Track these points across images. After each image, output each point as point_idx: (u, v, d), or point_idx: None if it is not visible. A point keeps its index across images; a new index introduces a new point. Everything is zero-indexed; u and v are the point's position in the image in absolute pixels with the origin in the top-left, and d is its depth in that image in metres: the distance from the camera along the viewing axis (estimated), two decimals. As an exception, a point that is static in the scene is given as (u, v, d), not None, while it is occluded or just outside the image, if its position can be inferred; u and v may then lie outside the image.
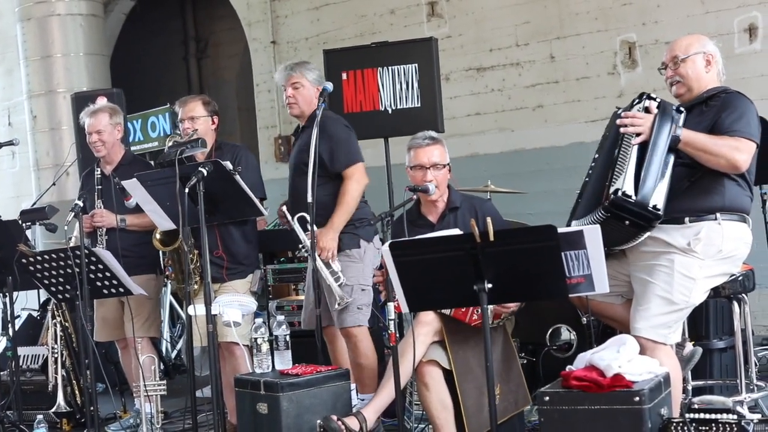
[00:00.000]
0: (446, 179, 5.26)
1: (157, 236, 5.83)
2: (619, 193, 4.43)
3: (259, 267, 6.09)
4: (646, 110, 4.64)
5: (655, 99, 4.67)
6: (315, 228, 5.44)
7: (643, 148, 4.55)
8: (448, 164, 5.27)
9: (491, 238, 3.98)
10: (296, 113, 5.82)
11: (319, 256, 5.47)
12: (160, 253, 6.22)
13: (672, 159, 4.57)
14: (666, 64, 4.86)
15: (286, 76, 5.80)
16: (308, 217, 5.50)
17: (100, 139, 6.34)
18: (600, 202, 4.54)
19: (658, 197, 4.49)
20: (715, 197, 4.62)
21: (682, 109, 4.66)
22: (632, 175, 4.49)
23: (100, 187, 6.34)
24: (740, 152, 4.52)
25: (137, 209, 5.98)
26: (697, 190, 4.63)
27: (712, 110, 4.66)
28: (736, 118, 4.57)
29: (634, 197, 4.44)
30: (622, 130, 4.61)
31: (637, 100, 4.75)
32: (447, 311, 4.90)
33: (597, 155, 4.90)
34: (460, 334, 4.93)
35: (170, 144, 5.69)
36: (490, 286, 4.03)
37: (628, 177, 4.48)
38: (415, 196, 5.20)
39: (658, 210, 4.47)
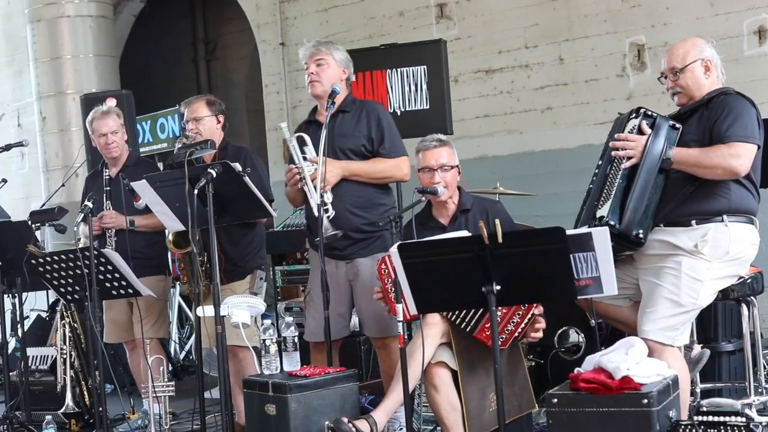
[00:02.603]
0: (455, 181, 5.25)
1: (170, 238, 5.83)
2: (604, 221, 4.54)
3: (260, 268, 6.03)
4: (640, 130, 4.67)
5: (650, 116, 4.69)
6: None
7: (634, 170, 4.62)
8: (457, 166, 5.26)
9: (500, 239, 3.98)
10: (318, 92, 5.53)
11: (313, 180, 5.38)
12: (173, 257, 6.23)
13: (662, 178, 4.64)
14: (665, 74, 4.86)
15: (311, 52, 5.55)
16: (306, 138, 5.44)
17: (115, 140, 6.37)
18: (590, 221, 4.65)
19: (641, 225, 4.60)
20: (721, 200, 4.63)
21: (678, 126, 4.67)
22: (618, 202, 4.63)
23: (108, 188, 6.36)
24: (735, 158, 4.52)
25: (146, 210, 6.00)
26: (702, 193, 4.64)
27: (712, 112, 4.67)
28: (731, 122, 4.57)
29: (618, 226, 4.55)
30: (613, 153, 4.68)
31: (633, 115, 4.78)
32: (459, 321, 4.89)
33: (600, 162, 4.90)
34: (466, 335, 4.92)
35: (179, 146, 5.70)
36: (498, 287, 4.03)
37: (614, 204, 4.62)
38: (423, 198, 5.20)
39: (641, 238, 4.61)
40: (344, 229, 5.37)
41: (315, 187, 5.35)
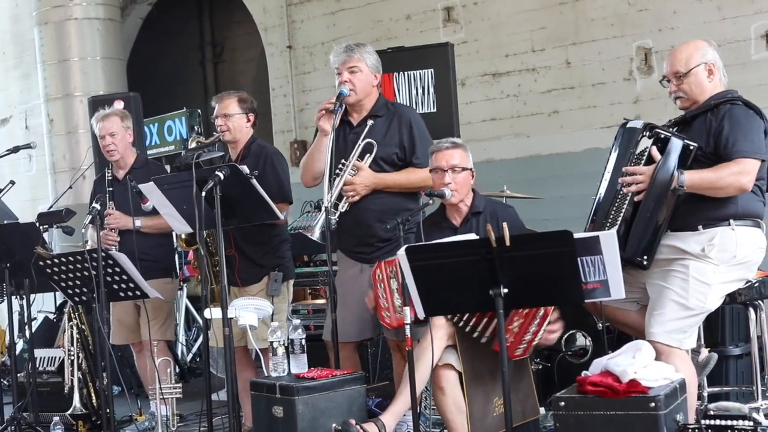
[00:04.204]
0: (467, 183, 5.22)
1: (183, 236, 5.85)
2: None
3: (278, 268, 5.93)
4: (649, 158, 4.64)
5: (663, 138, 4.64)
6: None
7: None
8: (470, 168, 5.25)
9: (507, 243, 3.98)
10: (352, 101, 5.48)
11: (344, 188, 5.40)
12: (178, 255, 6.23)
13: (674, 199, 4.61)
14: (668, 78, 4.85)
15: (344, 59, 5.48)
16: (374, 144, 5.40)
17: (113, 142, 6.35)
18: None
19: (646, 250, 4.62)
20: (729, 205, 4.63)
21: (693, 146, 4.62)
22: (624, 230, 4.63)
23: (111, 189, 6.36)
24: (744, 175, 4.53)
25: (151, 212, 6.01)
26: (709, 198, 4.62)
27: (717, 120, 4.65)
28: (739, 136, 4.56)
29: (622, 254, 4.51)
30: (625, 189, 4.66)
31: (647, 134, 4.72)
32: (470, 330, 4.88)
33: (607, 166, 4.87)
34: (471, 338, 4.92)
35: (193, 144, 5.73)
36: (506, 291, 4.04)
37: (618, 232, 4.59)
38: (431, 201, 5.19)
39: (645, 264, 4.64)
40: (367, 237, 5.43)
41: (338, 192, 5.38)
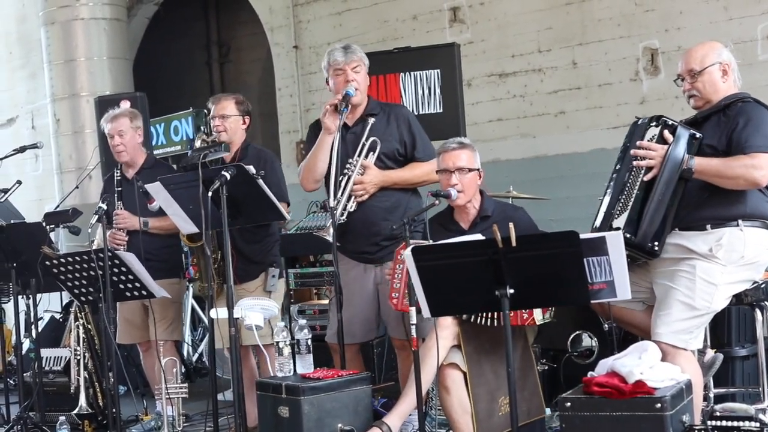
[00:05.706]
0: (473, 184, 5.22)
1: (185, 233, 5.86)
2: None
3: (273, 265, 6.01)
4: (662, 138, 4.64)
5: (671, 125, 4.66)
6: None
7: (652, 180, 4.63)
8: (478, 169, 5.24)
9: (513, 243, 3.98)
10: (358, 101, 5.50)
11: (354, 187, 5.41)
12: (185, 255, 6.24)
13: (681, 187, 4.62)
14: (682, 76, 4.85)
15: (350, 58, 5.47)
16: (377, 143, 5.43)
17: (122, 142, 6.37)
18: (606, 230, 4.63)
19: (657, 236, 4.61)
20: (738, 205, 4.62)
21: (699, 135, 4.64)
22: (635, 214, 4.62)
23: (120, 189, 6.37)
24: (758, 169, 4.51)
25: (159, 212, 6.02)
26: (718, 198, 4.63)
27: (730, 120, 4.65)
28: (752, 131, 4.56)
29: (633, 238, 4.56)
30: (635, 163, 4.66)
31: (654, 123, 4.74)
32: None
33: (617, 166, 4.87)
34: (476, 338, 4.93)
35: (198, 143, 5.75)
36: (512, 291, 4.03)
37: (630, 215, 4.62)
38: (437, 201, 5.19)
39: (656, 250, 4.61)
40: (373, 236, 5.43)
41: (348, 192, 5.39)
